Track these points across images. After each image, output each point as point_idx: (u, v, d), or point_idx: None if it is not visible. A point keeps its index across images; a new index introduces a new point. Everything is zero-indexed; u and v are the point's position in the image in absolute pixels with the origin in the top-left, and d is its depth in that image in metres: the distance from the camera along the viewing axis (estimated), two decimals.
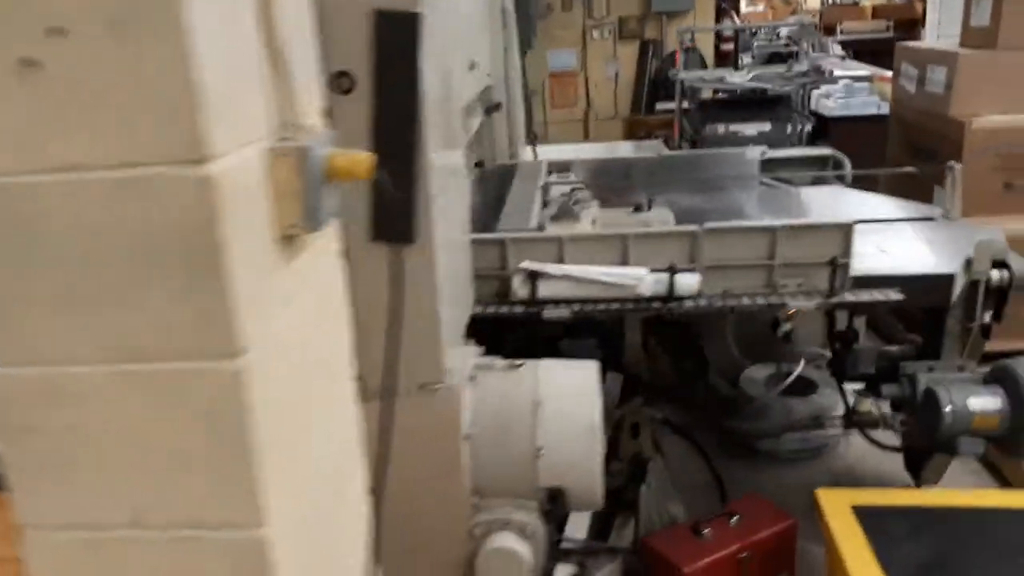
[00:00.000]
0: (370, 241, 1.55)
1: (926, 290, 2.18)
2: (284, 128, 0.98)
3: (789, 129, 3.91)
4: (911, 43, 4.08)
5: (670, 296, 2.09)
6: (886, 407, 2.64)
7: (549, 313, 2.11)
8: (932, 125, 3.77)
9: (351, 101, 1.46)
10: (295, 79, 0.94)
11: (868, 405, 2.53)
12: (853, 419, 2.56)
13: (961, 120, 3.53)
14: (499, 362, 1.84)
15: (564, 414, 1.74)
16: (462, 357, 1.81)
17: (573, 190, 2.77)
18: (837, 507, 2.20)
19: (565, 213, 2.48)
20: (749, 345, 3.57)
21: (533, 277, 2.10)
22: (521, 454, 1.73)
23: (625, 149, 4.47)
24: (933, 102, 3.74)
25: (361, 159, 0.99)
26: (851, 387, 2.79)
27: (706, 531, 2.41)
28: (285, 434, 0.91)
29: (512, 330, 2.31)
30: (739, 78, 3.91)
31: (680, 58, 4.42)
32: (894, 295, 2.10)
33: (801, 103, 4.65)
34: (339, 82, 1.45)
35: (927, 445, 2.52)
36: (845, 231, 2.09)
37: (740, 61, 6.99)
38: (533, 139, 4.00)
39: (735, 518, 2.44)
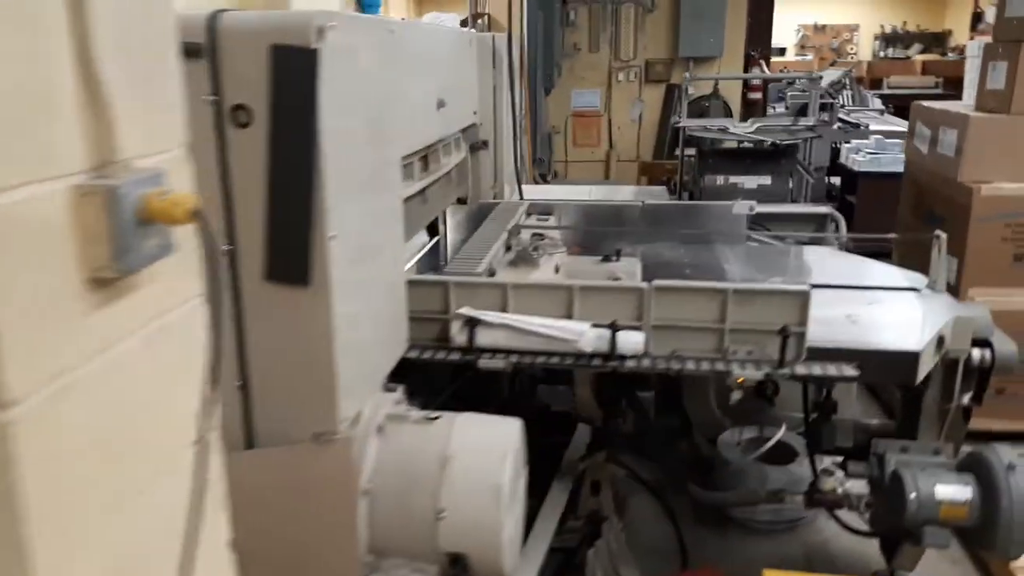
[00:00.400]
0: (264, 280, 1.49)
1: (887, 367, 2.04)
2: (104, 165, 0.92)
3: (791, 183, 3.77)
4: (926, 103, 3.93)
5: (612, 354, 1.99)
6: (859, 486, 2.49)
7: (485, 363, 2.02)
8: (942, 189, 3.62)
9: (248, 136, 1.41)
10: (116, 110, 0.88)
11: (833, 483, 2.38)
12: (815, 496, 2.41)
13: (969, 186, 3.38)
14: (415, 413, 1.76)
15: (469, 474, 1.65)
16: (374, 405, 1.74)
17: (538, 235, 2.69)
18: None
19: (523, 258, 2.40)
20: (731, 405, 3.43)
21: (472, 324, 2.02)
22: (422, 514, 1.64)
23: (626, 193, 4.38)
24: (943, 165, 3.59)
25: (181, 201, 0.92)
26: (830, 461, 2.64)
27: None
28: (86, 494, 0.83)
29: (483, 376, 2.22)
30: (741, 129, 3.80)
31: (682, 105, 4.31)
32: (849, 371, 1.97)
33: (806, 157, 4.52)
34: (236, 115, 1.41)
35: (893, 531, 2.35)
36: (801, 299, 1.97)
37: (769, 111, 6.88)
38: (545, 174, 3.90)
39: None
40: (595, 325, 2.02)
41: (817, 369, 1.98)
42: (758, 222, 3.44)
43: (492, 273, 2.22)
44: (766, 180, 3.82)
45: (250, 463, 1.55)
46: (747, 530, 3.03)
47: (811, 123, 4.15)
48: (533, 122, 6.04)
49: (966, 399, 2.37)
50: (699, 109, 6.00)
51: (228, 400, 1.55)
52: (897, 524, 2.28)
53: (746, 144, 3.89)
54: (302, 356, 1.51)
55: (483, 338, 2.03)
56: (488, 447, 1.68)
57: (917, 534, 2.24)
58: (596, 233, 3.15)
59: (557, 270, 2.51)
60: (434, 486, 1.64)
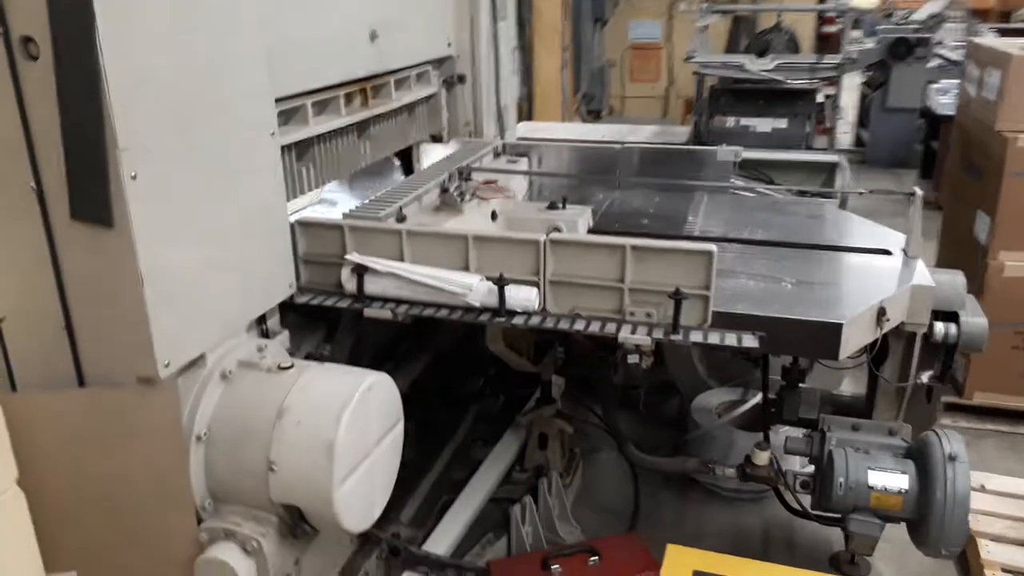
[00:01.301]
0: (72, 218, 1.45)
1: (805, 340, 1.83)
2: None
3: (808, 128, 3.42)
4: (982, 39, 3.47)
5: (501, 310, 1.87)
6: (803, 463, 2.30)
7: (370, 311, 1.94)
8: (983, 137, 3.21)
9: (38, 69, 1.36)
10: None
11: (764, 457, 2.19)
12: (746, 471, 2.23)
13: (1006, 135, 2.98)
14: (268, 361, 1.71)
15: (303, 429, 1.59)
16: (225, 350, 1.70)
17: (490, 182, 2.55)
18: (678, 567, 1.95)
19: (447, 203, 2.28)
20: (718, 366, 3.23)
21: (360, 271, 1.94)
22: (254, 464, 1.60)
23: (644, 134, 4.13)
24: (985, 110, 3.18)
25: None
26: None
27: (555, 566, 2.20)
28: None
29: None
30: (758, 66, 3.44)
31: (697, 37, 3.94)
32: (750, 341, 1.78)
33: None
34: (27, 48, 1.35)
35: (829, 515, 2.16)
36: (705, 259, 1.78)
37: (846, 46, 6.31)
38: (597, 110, 3.68)
39: (595, 558, 2.21)
40: (488, 279, 1.90)
41: (715, 338, 1.79)
42: (759, 169, 3.17)
43: (401, 218, 2.11)
44: (781, 123, 3.48)
45: (74, 402, 1.55)
46: (711, 497, 2.88)
47: (837, 61, 3.73)
48: (577, 55, 5.75)
49: (925, 377, 2.12)
50: (761, 44, 5.56)
51: (56, 341, 1.54)
52: (828, 507, 2.10)
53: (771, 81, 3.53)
54: (114, 299, 1.48)
55: (372, 286, 1.95)
56: (325, 402, 1.61)
57: (845, 520, 2.05)
58: (581, 177, 2.99)
59: (495, 216, 2.38)
60: (266, 438, 1.60)
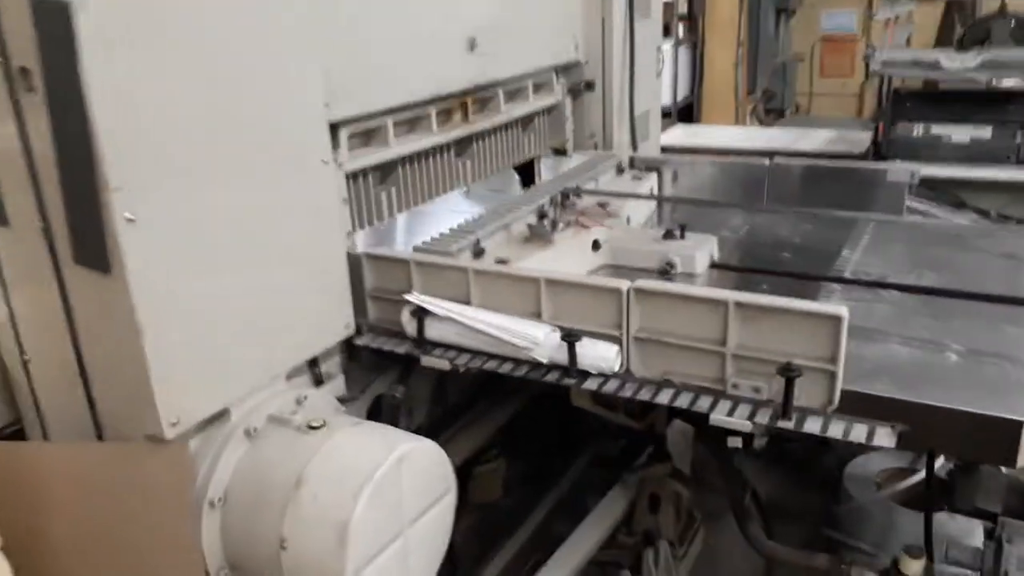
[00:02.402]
0: (74, 262, 1.34)
1: (965, 438, 1.37)
2: None
3: (1019, 139, 2.72)
4: None
5: (571, 369, 1.57)
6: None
7: (428, 360, 1.71)
8: None
9: (36, 102, 1.24)
10: None
11: (916, 569, 1.72)
12: None
13: None
14: (299, 418, 1.52)
15: (319, 504, 1.39)
16: (256, 403, 1.53)
17: (601, 205, 2.24)
18: None
19: (537, 233, 2.00)
20: None
21: (420, 314, 1.71)
22: (267, 539, 1.42)
23: (817, 140, 3.60)
24: None
25: None
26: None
27: None
28: None
29: None
30: (957, 62, 2.80)
31: (889, 31, 3.27)
32: (885, 438, 1.35)
33: None
34: (25, 78, 1.24)
35: None
36: (832, 324, 1.38)
37: None
38: (779, 109, 3.24)
39: None
40: (562, 331, 1.61)
41: (837, 430, 1.38)
42: (947, 190, 2.60)
43: (479, 252, 1.86)
44: (984, 132, 2.81)
45: (81, 456, 1.44)
46: None
47: None
48: (754, 50, 5.18)
49: None
50: (978, 33, 4.73)
51: (73, 388, 1.44)
52: None
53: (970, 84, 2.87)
54: (118, 349, 1.35)
55: (433, 331, 1.71)
56: (345, 475, 1.40)
57: None
58: (716, 195, 2.60)
59: (596, 247, 2.06)
60: (281, 510, 1.41)
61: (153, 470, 1.41)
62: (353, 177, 1.86)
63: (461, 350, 1.71)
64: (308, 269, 1.63)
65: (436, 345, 1.73)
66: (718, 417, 1.43)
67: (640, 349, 1.57)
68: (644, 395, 1.52)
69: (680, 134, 3.57)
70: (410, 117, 2.03)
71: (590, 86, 2.76)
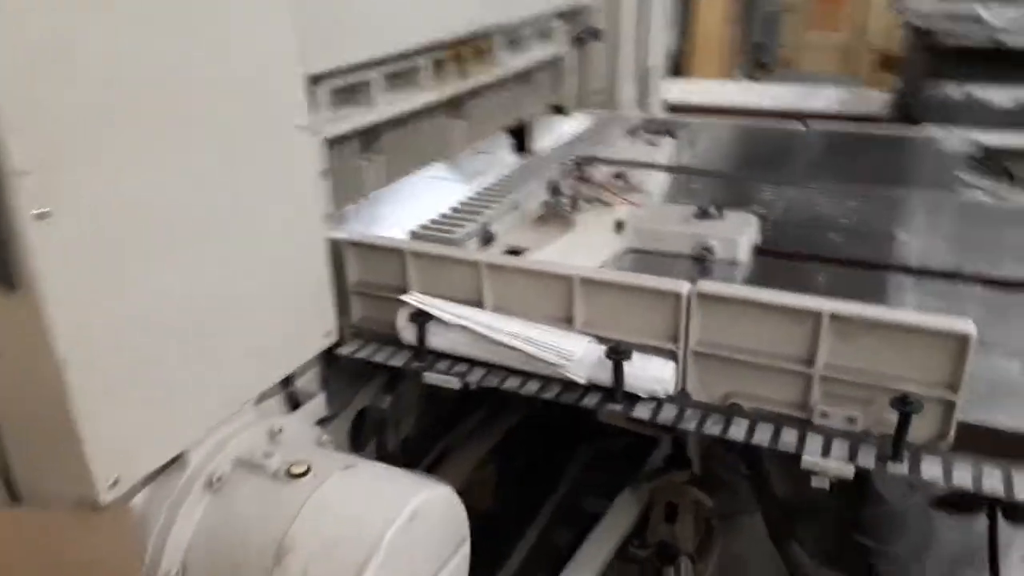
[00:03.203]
0: None
1: None
2: None
3: None
4: None
5: (616, 391, 1.26)
6: None
7: (432, 377, 1.39)
8: None
9: None
10: None
11: None
12: None
13: None
14: (276, 461, 1.19)
15: None
16: (217, 444, 1.20)
17: (619, 176, 1.91)
18: None
19: (553, 212, 1.67)
20: None
21: (421, 319, 1.38)
22: None
23: (829, 99, 3.31)
24: None
25: None
26: None
27: None
28: None
29: None
30: (1003, 17, 2.50)
31: None
32: None
33: None
34: None
35: None
36: (956, 343, 1.09)
37: None
38: (768, 64, 2.83)
39: None
40: (601, 340, 1.30)
41: (963, 476, 1.11)
42: (994, 160, 2.33)
43: (487, 238, 1.53)
44: None
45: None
46: None
47: None
48: (748, 2, 4.85)
49: None
50: None
51: None
52: None
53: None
54: (33, 387, 1.00)
55: (437, 339, 1.39)
56: (345, 542, 1.08)
57: None
58: (739, 165, 2.29)
59: (620, 228, 1.75)
60: None
61: (87, 544, 1.07)
62: (333, 144, 1.51)
63: (472, 363, 1.39)
64: (280, 266, 1.28)
65: (440, 356, 1.41)
66: (812, 460, 1.14)
67: (700, 366, 1.28)
68: (712, 428, 1.22)
69: (676, 90, 3.24)
70: (399, 70, 1.68)
71: (596, 34, 2.41)
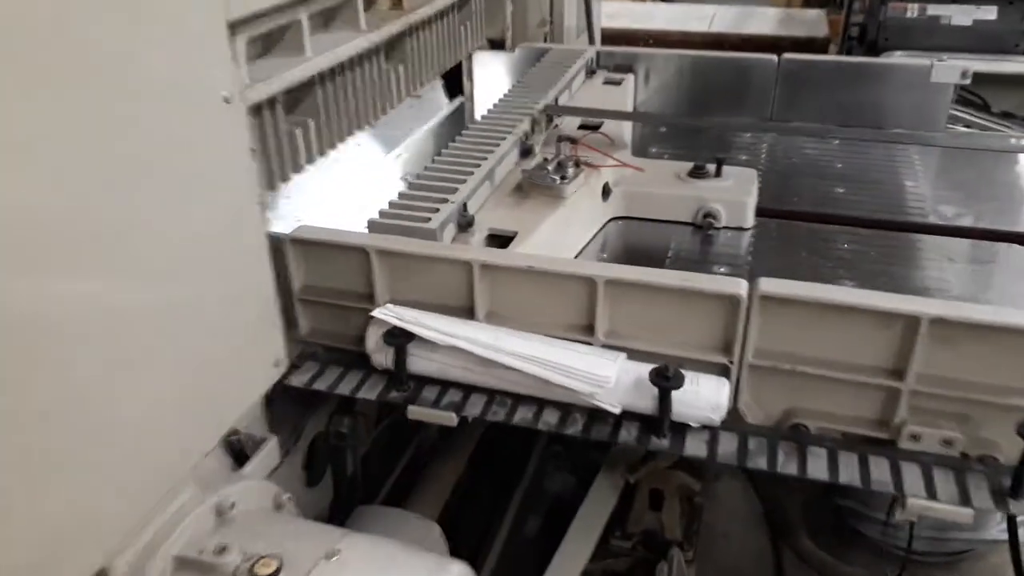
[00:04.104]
0: None
1: None
2: None
3: None
4: None
5: (661, 424, 1.01)
6: None
7: (418, 412, 1.09)
8: None
9: None
10: None
11: None
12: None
13: None
14: (232, 559, 0.88)
15: None
16: (147, 543, 0.88)
17: (586, 126, 1.62)
18: None
19: (537, 181, 1.37)
20: None
21: (398, 338, 1.07)
22: None
23: (763, 21, 3.09)
24: None
25: None
26: None
27: None
28: None
29: None
30: None
31: None
32: None
33: None
34: None
35: None
36: None
37: None
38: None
39: None
40: (632, 353, 1.04)
41: None
42: (967, 89, 2.18)
43: (466, 223, 1.22)
44: (988, 12, 2.40)
45: None
46: (885, 559, 2.10)
47: None
48: None
49: None
50: None
51: None
52: None
53: None
54: None
55: (422, 362, 1.09)
56: None
57: None
58: (702, 104, 2.04)
59: (607, 193, 1.47)
60: None
61: None
62: (257, 111, 1.15)
63: (468, 390, 1.10)
64: (211, 282, 0.94)
65: (424, 381, 1.11)
66: (920, 504, 0.93)
67: (756, 381, 1.04)
68: (788, 467, 0.99)
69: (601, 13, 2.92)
70: (327, 6, 1.31)
71: None
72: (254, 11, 1.03)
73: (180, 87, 0.84)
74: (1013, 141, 1.76)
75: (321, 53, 1.25)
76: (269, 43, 1.22)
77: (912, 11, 2.42)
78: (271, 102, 1.18)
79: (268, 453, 1.12)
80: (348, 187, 1.58)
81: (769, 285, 0.99)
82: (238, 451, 1.09)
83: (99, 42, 0.73)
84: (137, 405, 0.84)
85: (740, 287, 0.99)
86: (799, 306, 0.99)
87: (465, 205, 1.24)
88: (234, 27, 1.00)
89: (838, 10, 3.05)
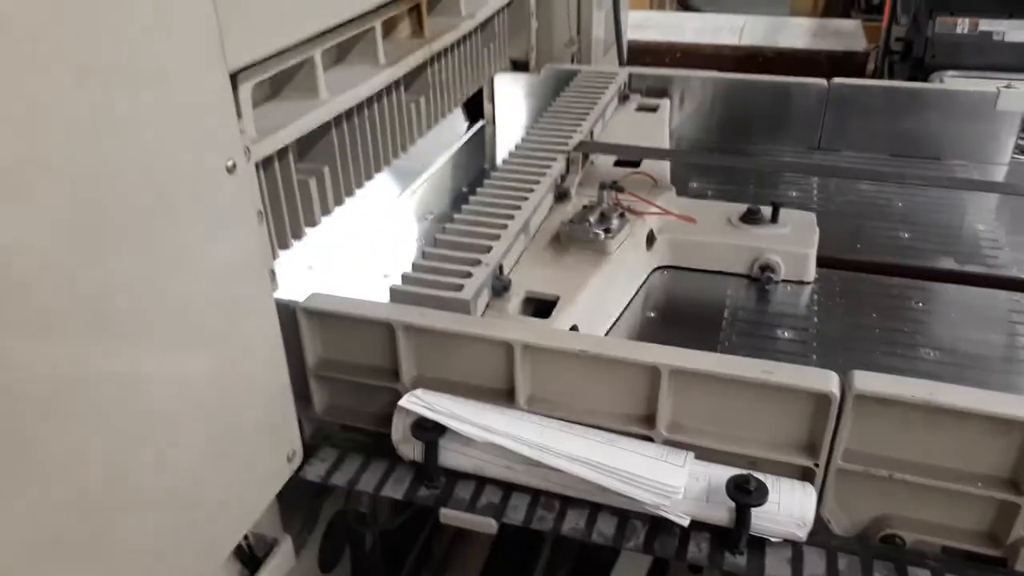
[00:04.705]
0: None
1: None
2: None
3: None
4: None
5: (738, 538, 0.87)
6: None
7: (452, 516, 0.95)
8: None
9: None
10: None
11: None
12: None
13: None
14: None
15: None
16: None
17: (627, 164, 1.48)
18: None
19: (577, 237, 1.23)
20: None
21: (429, 433, 0.93)
22: None
23: (795, 33, 2.94)
24: None
25: None
26: None
27: None
28: None
29: None
30: None
31: None
32: None
33: None
34: None
35: None
36: None
37: None
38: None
39: None
40: (698, 454, 0.89)
41: None
42: None
43: (501, 287, 1.08)
44: None
45: None
46: None
47: None
48: None
49: None
50: None
51: None
52: None
53: None
54: None
55: (454, 458, 0.95)
56: None
57: None
58: (738, 129, 1.89)
59: (651, 242, 1.33)
60: None
61: None
62: (267, 162, 1.01)
63: (508, 487, 0.96)
64: (216, 374, 0.80)
65: (458, 476, 0.97)
66: None
67: (844, 485, 0.90)
68: None
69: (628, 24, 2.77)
70: (341, 41, 1.16)
71: None
72: (258, 57, 0.88)
73: (176, 161, 0.70)
74: None
75: (338, 94, 1.11)
76: (279, 82, 1.08)
77: (962, 26, 2.26)
78: (282, 151, 1.04)
79: (282, 557, 0.98)
80: (361, 229, 1.44)
81: (865, 382, 0.84)
82: (248, 557, 0.95)
83: (82, 119, 0.59)
84: (134, 533, 0.70)
85: (831, 383, 0.85)
86: (900, 406, 0.84)
87: (501, 267, 1.10)
88: (236, 76, 0.86)
89: (874, 18, 2.89)
